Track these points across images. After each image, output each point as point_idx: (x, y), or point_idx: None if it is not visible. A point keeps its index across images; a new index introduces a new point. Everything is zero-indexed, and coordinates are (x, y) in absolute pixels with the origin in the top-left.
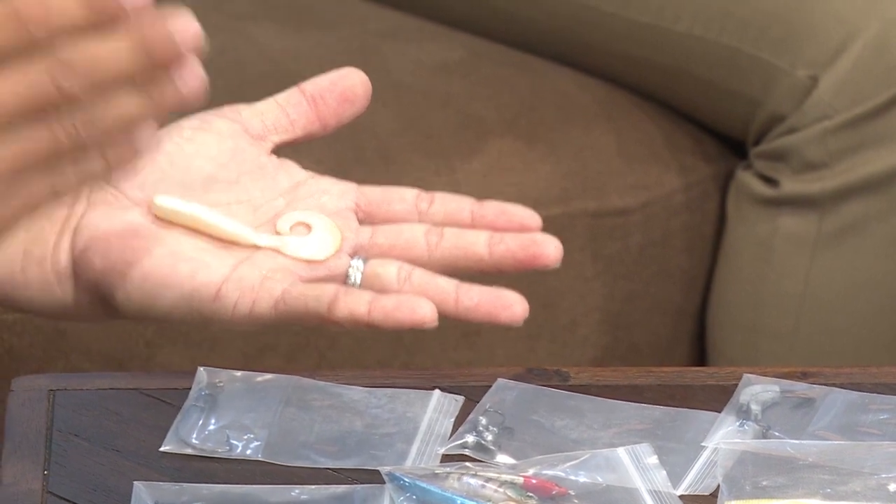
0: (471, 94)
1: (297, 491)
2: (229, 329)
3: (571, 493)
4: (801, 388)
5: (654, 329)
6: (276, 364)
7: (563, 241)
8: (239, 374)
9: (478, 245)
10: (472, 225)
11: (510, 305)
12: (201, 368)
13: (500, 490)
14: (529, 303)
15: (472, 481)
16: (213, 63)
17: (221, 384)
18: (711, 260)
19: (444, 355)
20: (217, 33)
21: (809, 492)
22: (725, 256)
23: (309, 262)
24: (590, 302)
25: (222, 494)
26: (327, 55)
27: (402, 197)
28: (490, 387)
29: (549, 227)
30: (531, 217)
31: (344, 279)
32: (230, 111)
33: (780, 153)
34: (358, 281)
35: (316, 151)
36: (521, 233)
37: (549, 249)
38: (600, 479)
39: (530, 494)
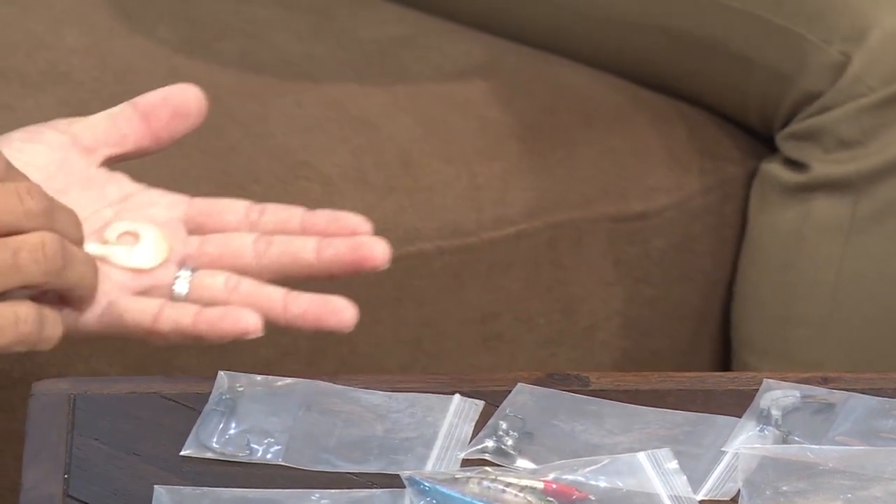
0: (490, 98)
1: (317, 495)
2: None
3: (592, 497)
4: (821, 393)
5: (675, 334)
6: (296, 368)
7: (584, 246)
8: (259, 378)
9: (306, 251)
10: (303, 233)
11: (339, 311)
12: (222, 373)
13: (521, 495)
14: (550, 308)
15: (493, 486)
16: (232, 67)
17: (242, 388)
18: (733, 264)
19: (464, 360)
20: (236, 37)
21: (830, 497)
22: (752, 248)
23: (136, 271)
24: (610, 307)
25: (243, 499)
26: (347, 59)
27: (233, 208)
28: (510, 391)
29: (568, 230)
30: (361, 223)
31: (171, 290)
32: (61, 123)
33: (812, 133)
34: (185, 291)
35: (338, 155)
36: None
37: (377, 251)
38: (620, 484)
39: (550, 499)
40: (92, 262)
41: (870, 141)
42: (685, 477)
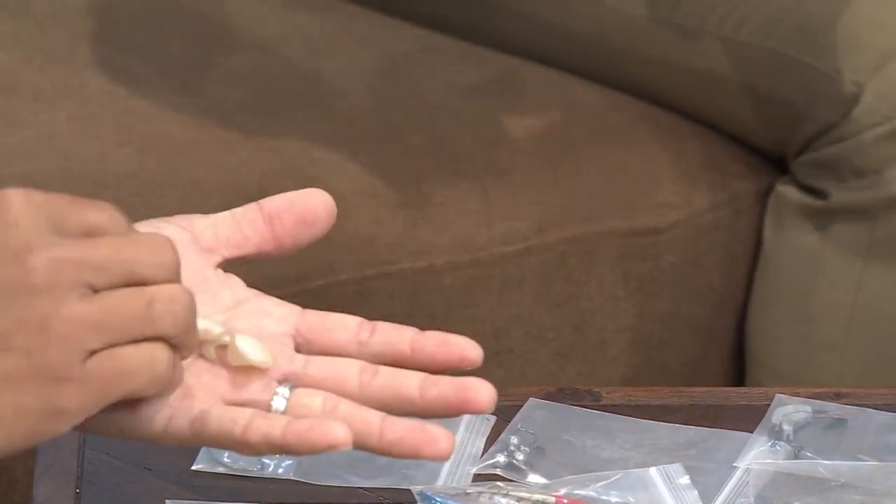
0: (501, 114)
1: None
2: (146, 442)
3: None
4: (833, 408)
5: (686, 349)
6: None
7: (594, 262)
8: None
9: (410, 387)
10: (412, 355)
11: (435, 440)
12: None
13: None
14: (560, 323)
15: (504, 501)
16: (243, 83)
17: None
18: (744, 279)
19: (475, 375)
20: (248, 53)
21: None
22: (767, 270)
23: (247, 368)
24: (621, 321)
25: None
26: (359, 75)
27: (344, 324)
28: (521, 406)
29: (579, 245)
30: (472, 348)
31: (268, 405)
32: (183, 220)
33: (828, 162)
34: (282, 408)
35: (350, 171)
36: (460, 366)
37: (482, 395)
38: (632, 499)
39: None
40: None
41: (886, 170)
42: (696, 492)
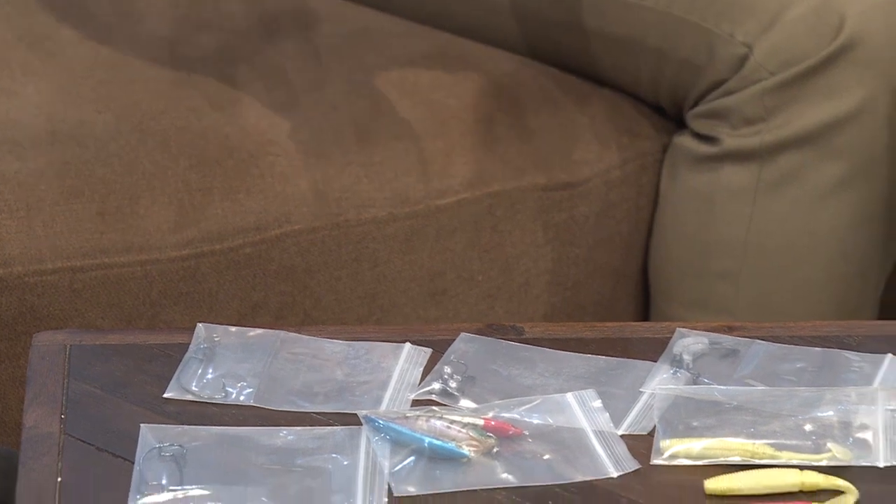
0: (436, 84)
1: (284, 432)
2: None
3: (526, 433)
4: (727, 340)
5: (598, 289)
6: (266, 321)
7: (518, 212)
8: (233, 329)
9: None
10: None
11: None
12: (200, 325)
13: (463, 431)
14: (489, 267)
15: (439, 423)
16: (210, 59)
17: (218, 339)
18: (648, 227)
19: (414, 313)
20: (214, 32)
21: (735, 431)
22: (665, 213)
23: None
24: (541, 266)
25: (218, 435)
26: (311, 51)
27: None
28: (454, 340)
29: (504, 199)
30: None
31: None
32: None
33: (720, 112)
34: None
35: (302, 134)
36: None
37: None
38: (551, 421)
39: (489, 434)
40: None
41: (772, 117)
42: (608, 414)
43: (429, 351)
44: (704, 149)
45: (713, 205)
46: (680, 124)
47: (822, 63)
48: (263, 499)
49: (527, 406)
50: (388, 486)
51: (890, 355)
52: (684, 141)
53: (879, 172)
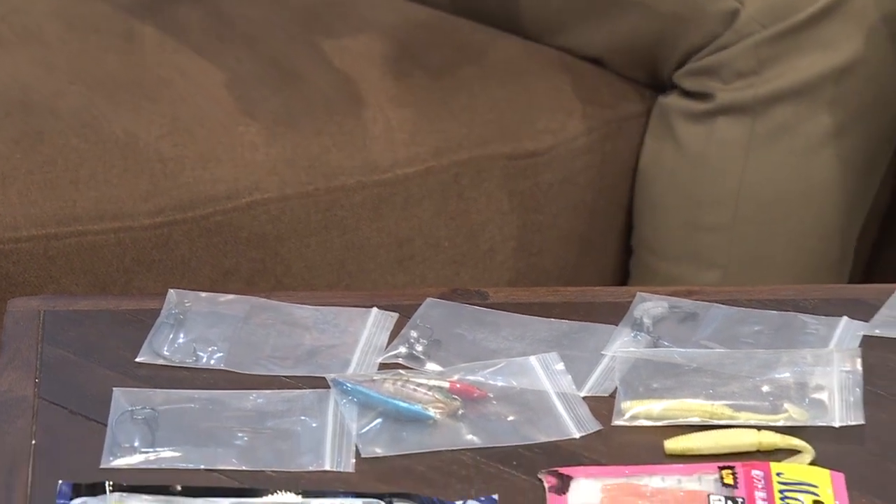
0: (403, 54)
1: (254, 395)
2: None
3: (490, 395)
4: (686, 304)
5: (562, 255)
6: (237, 288)
7: (484, 180)
8: (204, 295)
9: None
10: None
11: None
12: (172, 291)
13: (429, 393)
14: (455, 233)
15: (406, 386)
16: (181, 31)
17: (189, 304)
18: (612, 194)
19: (382, 279)
20: (184, 3)
21: (694, 393)
22: (651, 171)
23: None
24: (506, 232)
25: (189, 398)
26: (280, 22)
27: None
28: (420, 305)
29: (470, 167)
30: None
31: None
32: None
33: (711, 68)
34: None
35: (272, 104)
36: None
37: None
38: (515, 383)
39: (455, 397)
40: None
41: (765, 70)
42: (570, 377)
43: (395, 316)
44: (696, 105)
45: (706, 159)
46: (658, 89)
47: (814, 16)
48: (233, 460)
49: (491, 369)
50: (356, 447)
51: (845, 318)
52: (673, 100)
53: (870, 123)
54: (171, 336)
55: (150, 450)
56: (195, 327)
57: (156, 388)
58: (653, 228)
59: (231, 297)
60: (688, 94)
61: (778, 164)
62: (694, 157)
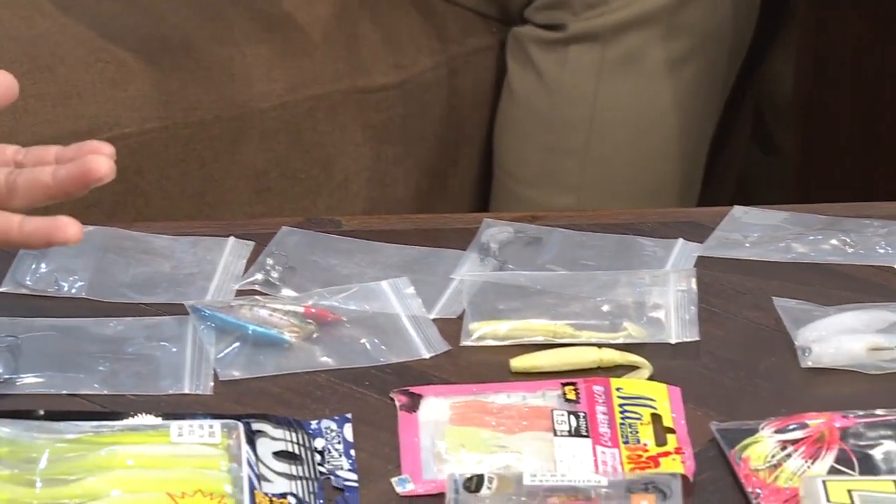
0: None
1: (114, 322)
2: None
3: (344, 319)
4: (531, 229)
5: (415, 185)
6: (99, 219)
7: (337, 114)
8: None
9: (44, 175)
10: (56, 162)
11: (65, 227)
12: None
13: (285, 318)
14: (310, 165)
15: (262, 311)
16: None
17: None
18: (461, 126)
19: (241, 210)
20: None
21: (539, 313)
22: (512, 97)
23: None
24: (360, 164)
25: (51, 326)
26: None
27: (2, 151)
28: (276, 234)
29: (324, 101)
30: (102, 146)
31: None
32: None
33: (561, 1)
34: None
35: (130, 42)
36: (92, 153)
37: (100, 165)
38: (368, 308)
39: (310, 321)
40: None
41: (613, 0)
42: (420, 300)
43: (252, 244)
44: (549, 35)
45: (559, 86)
46: (511, 24)
47: None
48: (95, 385)
49: (344, 294)
50: (214, 370)
51: (681, 240)
52: (526, 31)
53: (719, 48)
54: (34, 266)
55: (14, 376)
56: (57, 257)
57: (19, 317)
58: (512, 154)
59: (91, 228)
60: (541, 27)
61: (627, 90)
62: (549, 83)
